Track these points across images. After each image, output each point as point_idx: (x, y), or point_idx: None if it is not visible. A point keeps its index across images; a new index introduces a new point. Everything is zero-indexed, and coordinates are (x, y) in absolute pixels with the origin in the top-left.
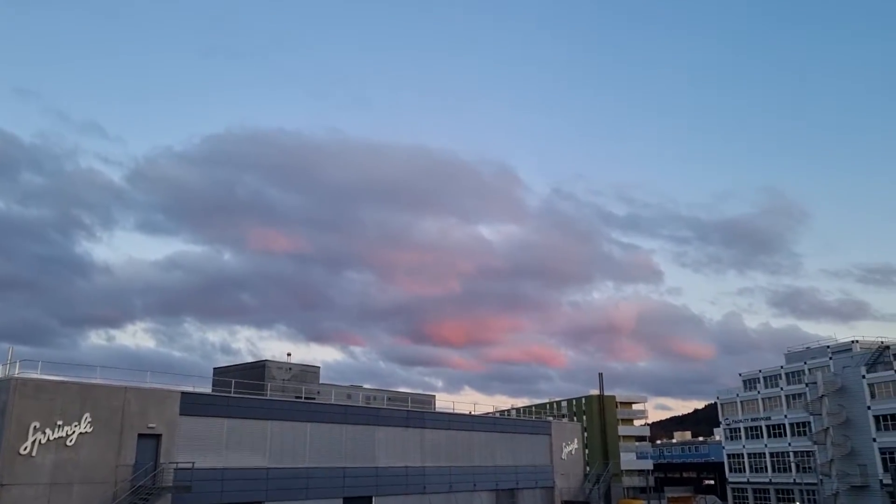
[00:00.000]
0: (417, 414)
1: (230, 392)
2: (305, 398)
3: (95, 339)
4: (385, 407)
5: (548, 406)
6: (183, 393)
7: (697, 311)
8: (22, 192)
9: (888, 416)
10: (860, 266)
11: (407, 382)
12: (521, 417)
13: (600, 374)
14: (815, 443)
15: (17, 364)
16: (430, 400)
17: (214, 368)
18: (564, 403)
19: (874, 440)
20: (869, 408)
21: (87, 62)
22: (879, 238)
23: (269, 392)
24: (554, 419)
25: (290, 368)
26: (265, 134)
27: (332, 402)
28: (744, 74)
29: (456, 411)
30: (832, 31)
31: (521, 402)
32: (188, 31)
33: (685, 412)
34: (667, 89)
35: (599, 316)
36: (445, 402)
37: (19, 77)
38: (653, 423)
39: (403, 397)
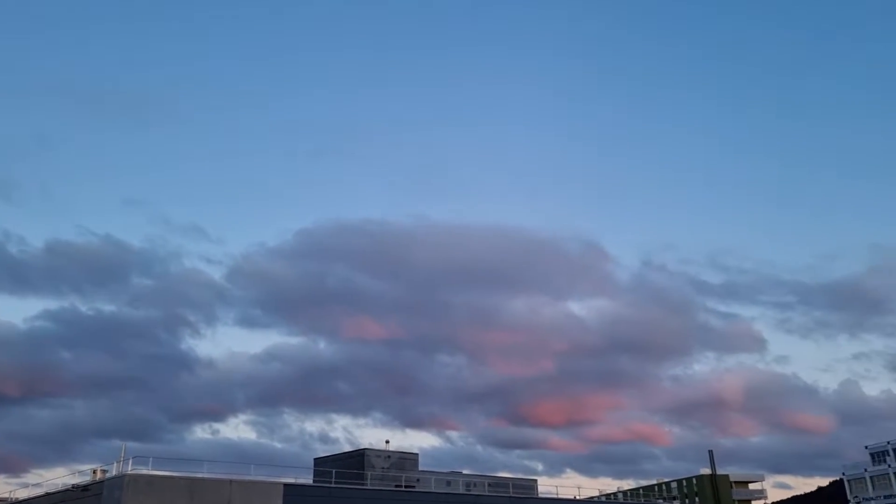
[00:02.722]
0: (520, 500)
1: (331, 482)
2: (405, 486)
3: (201, 432)
4: (486, 494)
5: (656, 488)
6: (285, 485)
7: (810, 379)
8: (132, 294)
9: None
10: None
11: (506, 466)
12: (630, 501)
13: (710, 452)
14: None
15: (130, 461)
16: (532, 484)
17: (315, 459)
18: (674, 484)
19: None
20: None
21: (187, 169)
22: None
23: (369, 481)
24: (664, 502)
25: (388, 456)
26: (352, 224)
27: (433, 489)
28: (838, 130)
29: (560, 496)
30: None
31: (627, 483)
32: (274, 134)
33: (808, 490)
34: (752, 151)
35: (703, 389)
36: (548, 486)
37: (128, 189)
38: (773, 503)
39: (504, 482)
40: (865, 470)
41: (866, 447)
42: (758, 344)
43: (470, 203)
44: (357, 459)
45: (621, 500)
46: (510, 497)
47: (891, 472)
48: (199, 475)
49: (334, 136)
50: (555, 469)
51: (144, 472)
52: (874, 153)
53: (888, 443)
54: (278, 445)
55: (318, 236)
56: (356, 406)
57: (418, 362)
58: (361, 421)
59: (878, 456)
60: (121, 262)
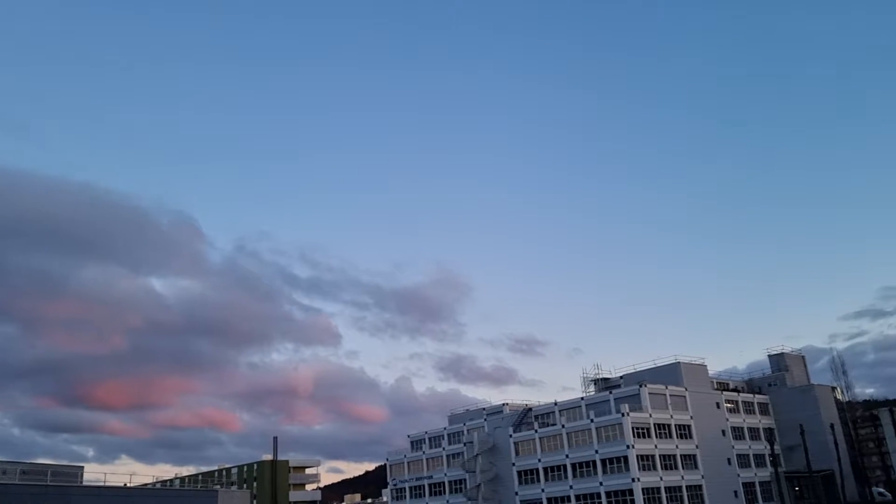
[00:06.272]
0: (59, 489)
1: None
2: None
3: None
4: (16, 482)
5: (216, 474)
6: None
7: (373, 374)
8: None
9: (528, 472)
10: (510, 336)
11: (50, 452)
12: (186, 487)
13: (275, 438)
14: (468, 499)
15: None
16: (77, 472)
17: None
18: (235, 470)
19: (516, 494)
20: (513, 464)
21: None
22: (525, 312)
23: None
24: (222, 488)
25: None
26: None
27: None
28: (413, 158)
29: (109, 483)
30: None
31: (188, 470)
32: None
33: (357, 474)
34: (346, 158)
35: (278, 378)
36: (96, 473)
37: None
38: (325, 486)
39: (41, 470)
40: (405, 456)
41: (408, 436)
42: (334, 338)
43: (45, 150)
44: None
45: (176, 488)
46: (46, 485)
47: (424, 457)
48: None
49: None
50: (108, 455)
51: None
52: (438, 176)
53: (426, 432)
54: None
55: None
56: None
57: None
58: None
59: (416, 444)
60: None
